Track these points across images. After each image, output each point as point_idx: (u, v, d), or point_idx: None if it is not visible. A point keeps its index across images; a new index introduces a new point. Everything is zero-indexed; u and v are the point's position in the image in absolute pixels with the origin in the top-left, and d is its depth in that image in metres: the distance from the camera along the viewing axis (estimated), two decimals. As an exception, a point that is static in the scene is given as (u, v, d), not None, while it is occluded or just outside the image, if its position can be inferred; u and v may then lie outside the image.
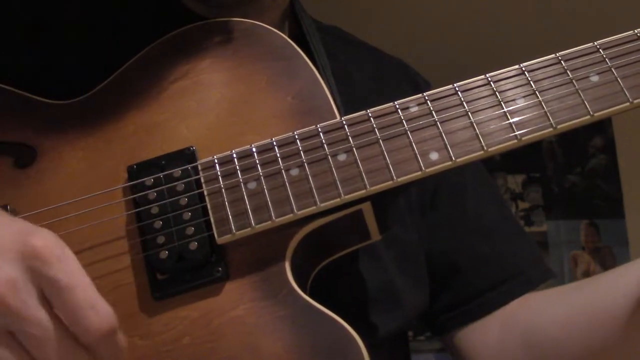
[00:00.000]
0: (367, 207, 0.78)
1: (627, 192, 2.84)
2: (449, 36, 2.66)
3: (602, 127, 2.86)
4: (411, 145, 0.76)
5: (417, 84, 1.09)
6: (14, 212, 0.79)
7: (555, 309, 0.97)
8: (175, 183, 0.78)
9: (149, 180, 0.78)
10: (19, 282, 0.60)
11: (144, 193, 0.78)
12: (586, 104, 0.75)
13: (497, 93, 0.77)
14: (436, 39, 2.63)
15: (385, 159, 0.75)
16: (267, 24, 0.87)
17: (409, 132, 0.76)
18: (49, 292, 0.61)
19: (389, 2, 2.67)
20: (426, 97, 0.78)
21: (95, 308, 0.62)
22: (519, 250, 1.07)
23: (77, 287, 0.61)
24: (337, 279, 0.87)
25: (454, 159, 0.75)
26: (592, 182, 2.86)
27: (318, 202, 0.75)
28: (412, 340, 2.51)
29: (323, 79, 0.83)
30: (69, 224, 0.78)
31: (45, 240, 0.62)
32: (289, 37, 0.86)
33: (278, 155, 0.77)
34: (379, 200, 0.78)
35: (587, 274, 2.74)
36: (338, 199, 0.75)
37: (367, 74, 1.07)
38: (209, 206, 0.76)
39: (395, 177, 0.75)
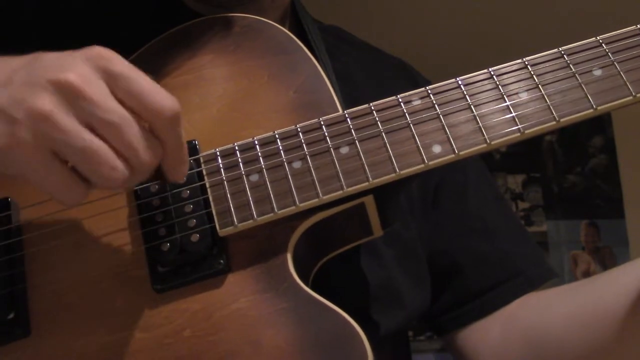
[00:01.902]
0: (369, 201, 0.78)
1: (627, 192, 2.84)
2: (450, 34, 2.66)
3: (602, 127, 2.86)
4: (414, 138, 0.76)
5: (418, 84, 1.09)
6: (16, 206, 0.79)
7: (557, 309, 0.97)
8: None
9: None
10: (92, 76, 0.64)
11: (145, 185, 0.78)
12: (589, 97, 0.75)
13: (499, 86, 0.77)
14: (438, 36, 2.63)
15: (387, 151, 0.75)
16: None
17: (411, 125, 0.76)
18: (117, 86, 0.65)
19: (389, 2, 2.66)
20: (429, 91, 0.78)
21: (161, 92, 0.66)
22: (521, 249, 1.07)
23: (142, 77, 0.66)
24: (337, 277, 0.87)
25: (457, 151, 0.75)
26: (592, 182, 2.86)
27: (320, 195, 0.75)
28: (412, 340, 2.51)
29: (325, 76, 0.83)
30: (72, 216, 0.78)
31: (104, 48, 0.67)
32: None
33: (280, 147, 0.77)
34: (382, 194, 0.78)
35: (587, 274, 2.74)
36: (340, 192, 0.75)
37: (368, 74, 1.07)
38: (210, 198, 0.76)
39: (397, 170, 0.75)
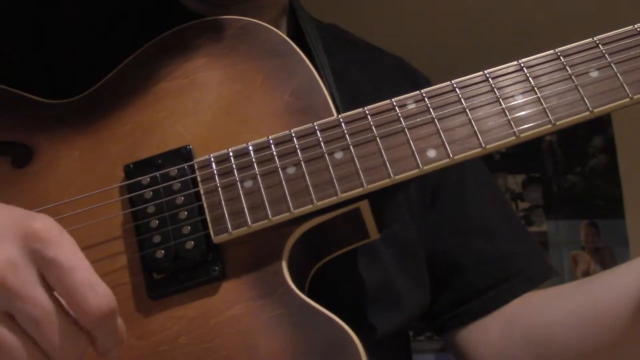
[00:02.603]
0: (364, 206, 0.78)
1: (627, 192, 2.84)
2: (448, 33, 2.66)
3: (602, 127, 2.86)
4: (408, 143, 0.75)
5: (417, 81, 1.09)
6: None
7: (557, 308, 0.97)
8: (172, 182, 0.77)
9: (145, 179, 0.78)
10: (19, 262, 0.60)
11: (140, 192, 0.77)
12: (585, 100, 0.75)
13: (495, 89, 0.76)
14: (435, 37, 2.63)
15: (382, 156, 0.75)
16: (265, 23, 0.86)
17: (406, 130, 0.76)
18: (48, 274, 0.61)
19: (388, 1, 2.66)
20: (424, 94, 0.77)
21: (95, 289, 0.61)
22: (521, 248, 1.07)
23: (77, 268, 0.61)
24: (336, 278, 0.87)
25: (451, 156, 0.74)
26: (592, 182, 2.85)
27: (315, 201, 0.74)
28: (412, 340, 2.50)
29: (322, 77, 0.83)
30: (66, 224, 0.77)
31: (44, 224, 0.62)
32: (287, 35, 0.86)
33: (274, 153, 0.77)
34: (377, 199, 0.78)
35: (587, 274, 2.74)
36: (335, 197, 0.74)
37: (366, 73, 1.07)
38: (205, 205, 0.76)
39: (392, 175, 0.74)
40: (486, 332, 1.02)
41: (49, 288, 0.62)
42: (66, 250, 0.62)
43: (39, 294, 0.61)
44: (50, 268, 0.61)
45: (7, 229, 0.62)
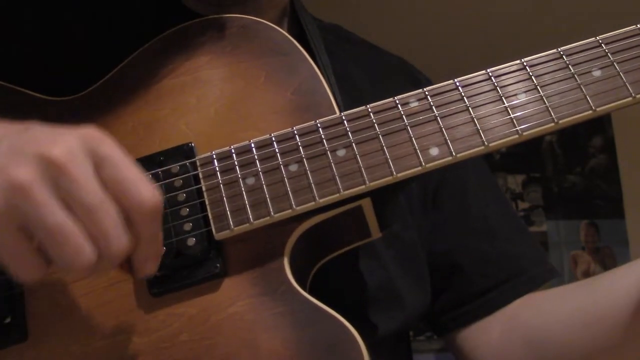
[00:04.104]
0: (366, 203, 0.78)
1: (627, 192, 2.85)
2: (450, 33, 2.65)
3: (602, 127, 2.87)
4: (411, 141, 0.75)
5: (419, 82, 1.09)
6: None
7: (558, 309, 0.97)
8: (174, 179, 0.77)
9: (147, 176, 0.78)
10: (78, 152, 0.63)
11: None
12: (588, 99, 0.75)
13: (498, 88, 0.76)
14: (438, 36, 2.64)
15: (384, 154, 0.75)
16: None
17: (409, 128, 0.76)
18: (103, 169, 0.64)
19: (389, 1, 2.66)
20: (426, 93, 0.77)
21: (146, 183, 0.65)
22: (522, 249, 1.07)
23: (129, 164, 0.65)
24: (337, 278, 0.87)
25: (454, 154, 0.74)
26: (592, 182, 2.86)
27: (317, 198, 0.74)
28: (412, 340, 2.50)
29: (323, 76, 0.83)
30: None
31: (97, 130, 0.66)
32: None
33: (277, 150, 0.77)
34: (379, 197, 0.78)
35: (587, 274, 2.74)
36: (337, 195, 0.74)
37: (368, 73, 1.07)
38: (207, 202, 0.76)
39: (395, 173, 0.74)
40: (487, 332, 1.02)
41: (101, 184, 0.64)
42: (118, 150, 0.65)
43: (95, 184, 0.63)
44: (105, 163, 0.64)
45: (63, 131, 0.65)
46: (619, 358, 0.93)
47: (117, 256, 0.64)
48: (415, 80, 1.10)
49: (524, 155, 2.79)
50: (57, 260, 0.62)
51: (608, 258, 2.79)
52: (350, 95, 0.97)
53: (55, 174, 0.61)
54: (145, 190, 0.64)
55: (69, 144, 0.63)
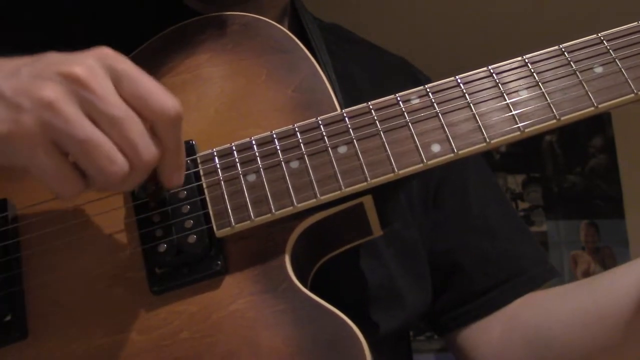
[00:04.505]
0: (368, 201, 0.77)
1: (627, 192, 2.85)
2: (451, 32, 2.65)
3: (602, 127, 2.86)
4: (412, 137, 0.75)
5: (419, 81, 1.08)
6: (13, 207, 0.78)
7: (558, 308, 0.97)
8: None
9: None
10: (98, 69, 0.65)
11: (142, 186, 0.77)
12: (590, 95, 0.75)
13: (499, 85, 0.76)
14: (438, 35, 2.63)
15: (386, 151, 0.75)
16: None
17: (410, 124, 0.76)
18: (122, 83, 0.66)
19: (389, 0, 2.66)
20: (428, 89, 0.77)
21: (166, 93, 0.67)
22: (522, 249, 1.07)
23: (147, 77, 0.67)
24: (337, 276, 0.87)
25: (455, 150, 0.74)
26: (592, 182, 2.86)
27: (318, 195, 0.74)
28: (412, 340, 2.50)
29: (324, 74, 0.83)
30: (69, 217, 0.77)
31: (110, 49, 0.68)
32: None
33: (278, 147, 0.76)
34: (381, 194, 0.78)
35: (587, 274, 2.74)
36: (338, 192, 0.74)
37: (369, 72, 1.07)
38: (207, 199, 0.76)
39: (396, 169, 0.74)
40: (487, 332, 1.02)
41: (124, 100, 0.66)
42: (134, 66, 0.67)
43: (118, 97, 0.65)
44: (124, 78, 0.66)
45: (79, 54, 0.67)
46: (619, 357, 0.93)
47: (148, 165, 0.66)
48: (415, 79, 1.09)
49: (524, 155, 2.79)
50: (92, 172, 0.65)
51: (608, 258, 2.78)
52: (351, 94, 0.96)
53: (79, 90, 0.64)
54: (166, 99, 0.66)
55: (88, 62, 0.65)
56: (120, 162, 0.64)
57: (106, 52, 0.67)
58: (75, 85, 0.64)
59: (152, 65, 0.85)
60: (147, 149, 0.66)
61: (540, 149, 2.83)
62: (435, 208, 1.05)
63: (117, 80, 0.66)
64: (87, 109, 0.64)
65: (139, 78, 0.66)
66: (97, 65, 0.65)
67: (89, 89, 0.64)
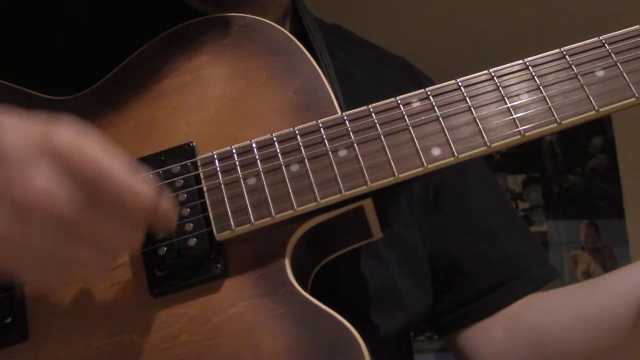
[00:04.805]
0: (368, 204, 0.77)
1: (627, 192, 2.85)
2: (452, 33, 2.65)
3: (602, 127, 2.86)
4: (413, 141, 0.75)
5: (420, 82, 1.08)
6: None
7: (560, 310, 0.97)
8: (174, 179, 0.77)
9: (147, 176, 0.77)
10: (57, 185, 0.61)
11: None
12: (591, 99, 0.74)
13: (500, 88, 0.76)
14: (440, 36, 2.63)
15: (386, 154, 0.75)
16: None
17: (410, 128, 0.76)
18: (83, 189, 0.62)
19: (390, 1, 2.66)
20: (428, 93, 0.77)
21: (133, 191, 0.63)
22: (523, 250, 1.06)
23: (107, 178, 0.62)
24: (338, 278, 0.87)
25: (456, 154, 0.74)
26: (592, 182, 2.86)
27: (318, 198, 0.74)
28: (412, 340, 2.50)
29: (325, 76, 0.82)
30: None
31: (61, 137, 0.62)
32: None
33: (278, 150, 0.76)
34: (381, 197, 0.77)
35: (587, 274, 2.74)
36: (338, 195, 0.74)
37: (370, 73, 1.06)
38: (208, 202, 0.75)
39: (396, 173, 0.74)
40: (488, 333, 1.02)
41: (89, 198, 0.62)
42: (91, 161, 0.62)
43: (83, 210, 0.62)
44: (83, 185, 0.62)
45: (30, 153, 0.61)
46: (621, 358, 0.93)
47: (133, 248, 0.67)
48: (416, 80, 1.09)
49: (524, 155, 2.79)
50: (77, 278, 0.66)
51: (608, 258, 2.79)
52: (352, 95, 0.96)
53: (40, 215, 0.60)
54: (133, 201, 0.63)
55: (42, 181, 0.61)
56: (99, 264, 0.65)
57: (57, 151, 0.61)
58: (36, 212, 0.60)
59: (153, 66, 0.85)
60: (125, 242, 0.65)
61: (540, 149, 2.83)
62: (436, 209, 1.05)
63: (84, 184, 0.62)
64: (54, 225, 0.61)
65: (100, 183, 0.62)
66: (56, 179, 0.61)
67: (50, 212, 0.61)
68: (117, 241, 0.64)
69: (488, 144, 0.74)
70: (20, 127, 0.63)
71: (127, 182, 0.63)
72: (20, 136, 0.62)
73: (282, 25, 0.99)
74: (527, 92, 0.76)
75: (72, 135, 0.62)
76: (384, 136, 0.76)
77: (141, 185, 0.64)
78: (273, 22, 0.87)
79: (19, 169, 0.60)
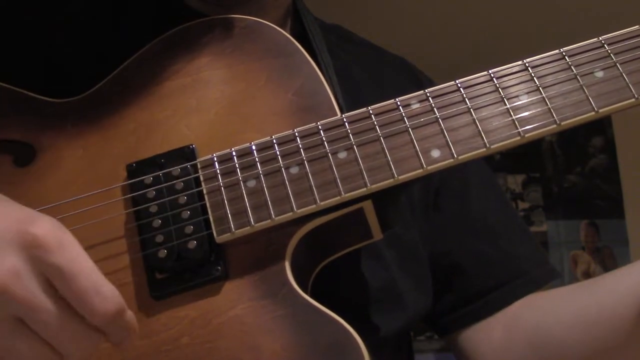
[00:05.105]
0: (368, 206, 0.77)
1: (627, 192, 2.84)
2: (452, 33, 2.65)
3: (602, 127, 2.86)
4: (412, 143, 0.75)
5: (420, 82, 1.08)
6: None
7: (560, 310, 0.97)
8: (174, 181, 0.77)
9: (147, 178, 0.78)
10: (22, 271, 0.60)
11: (142, 191, 0.77)
12: (590, 100, 0.74)
13: (500, 89, 0.76)
14: (439, 36, 2.63)
15: (386, 156, 0.75)
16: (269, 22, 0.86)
17: (410, 130, 0.76)
18: (53, 280, 0.61)
19: (390, 1, 2.66)
20: (428, 94, 0.77)
21: (100, 292, 0.62)
22: (523, 250, 1.06)
23: (80, 273, 0.61)
24: (338, 278, 0.87)
25: (455, 156, 0.74)
26: (592, 182, 2.85)
27: (318, 201, 0.74)
28: (412, 340, 2.50)
29: (325, 77, 0.82)
30: (68, 223, 0.77)
31: (45, 228, 0.62)
32: (291, 35, 0.85)
33: (278, 153, 0.76)
34: (381, 199, 0.77)
35: (587, 274, 2.74)
36: (338, 197, 0.74)
37: (370, 73, 1.06)
38: (208, 205, 0.75)
39: (396, 175, 0.74)
40: (488, 333, 1.02)
41: (56, 292, 0.62)
42: (68, 255, 0.61)
43: (46, 301, 0.61)
44: (53, 275, 0.61)
45: (6, 237, 0.61)
46: (621, 358, 0.93)
47: (87, 352, 0.64)
48: (417, 80, 1.09)
49: (524, 155, 2.79)
50: None
51: (608, 258, 2.78)
52: (352, 95, 0.96)
53: (2, 300, 0.60)
54: (99, 302, 0.61)
55: (11, 264, 0.60)
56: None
57: (34, 240, 0.61)
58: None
59: (153, 68, 0.85)
60: (81, 346, 0.63)
61: (540, 149, 2.83)
62: (436, 209, 1.05)
63: (49, 275, 0.61)
64: (14, 315, 0.61)
65: (70, 276, 0.61)
66: (21, 264, 0.61)
67: (12, 298, 0.60)
68: (68, 343, 0.62)
69: (487, 145, 0.74)
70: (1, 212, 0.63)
71: (97, 282, 0.62)
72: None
73: (283, 25, 0.99)
74: (527, 93, 0.76)
75: (50, 227, 0.62)
76: (384, 138, 0.76)
77: (110, 288, 0.63)
78: (274, 22, 0.87)
79: None
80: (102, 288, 0.62)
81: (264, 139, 0.77)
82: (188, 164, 0.77)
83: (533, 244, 1.09)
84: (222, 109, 0.82)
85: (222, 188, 0.76)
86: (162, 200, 0.76)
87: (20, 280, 0.60)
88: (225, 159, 0.77)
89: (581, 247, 2.80)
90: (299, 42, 0.84)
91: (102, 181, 0.79)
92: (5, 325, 0.61)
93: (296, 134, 0.77)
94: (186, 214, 0.75)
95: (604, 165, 2.86)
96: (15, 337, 0.61)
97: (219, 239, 0.74)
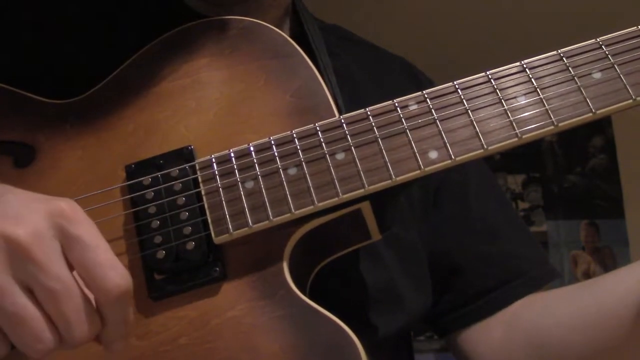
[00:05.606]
0: (366, 207, 0.77)
1: (627, 192, 2.85)
2: (451, 32, 2.65)
3: (602, 127, 2.87)
4: (410, 144, 0.75)
5: (420, 82, 1.08)
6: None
7: (560, 310, 0.97)
8: (173, 182, 0.77)
9: (146, 179, 0.78)
10: (45, 234, 0.61)
11: (141, 192, 0.77)
12: (588, 101, 0.74)
13: (497, 91, 0.76)
14: (438, 37, 2.63)
15: (383, 157, 0.75)
16: (268, 23, 0.86)
17: (408, 131, 0.76)
18: (71, 250, 0.62)
19: (390, 1, 2.66)
20: (425, 95, 0.77)
21: (115, 268, 0.63)
22: (523, 250, 1.06)
23: (100, 246, 0.63)
24: (337, 279, 0.87)
25: (453, 157, 0.74)
26: (592, 182, 2.86)
27: (316, 202, 0.74)
28: (412, 340, 2.51)
29: (324, 78, 0.83)
30: None
31: (70, 204, 0.64)
32: (290, 35, 0.86)
33: (276, 154, 0.76)
34: (379, 200, 0.77)
35: (587, 274, 2.75)
36: (336, 198, 0.74)
37: (370, 73, 1.06)
38: (206, 206, 0.76)
39: (394, 176, 0.74)
40: (488, 333, 1.02)
41: (69, 266, 0.63)
42: (90, 230, 0.63)
43: (61, 268, 0.62)
44: (73, 245, 0.62)
45: (34, 204, 0.63)
46: (621, 358, 0.93)
47: (80, 340, 0.63)
48: (416, 80, 1.09)
49: (524, 155, 2.80)
50: (17, 345, 0.62)
51: (608, 258, 2.79)
52: (352, 95, 0.96)
53: (18, 257, 0.60)
54: (113, 275, 0.62)
55: (36, 224, 0.61)
56: (46, 340, 0.61)
57: (63, 211, 0.63)
58: (16, 251, 0.60)
59: (152, 69, 0.85)
60: (80, 326, 0.62)
61: (540, 149, 2.83)
62: (436, 209, 1.05)
63: (67, 245, 0.62)
64: (24, 277, 0.61)
65: (90, 247, 0.62)
66: (47, 228, 0.62)
67: (29, 257, 0.60)
68: (69, 320, 0.62)
69: (485, 146, 0.74)
70: (24, 192, 0.65)
71: (114, 259, 0.63)
72: (25, 196, 0.65)
73: (282, 25, 0.99)
74: (525, 94, 0.76)
75: (75, 205, 0.64)
76: (382, 139, 0.76)
77: (123, 268, 0.64)
78: (272, 22, 0.87)
79: (15, 207, 0.63)
80: (117, 265, 0.63)
81: (262, 140, 0.77)
82: (187, 165, 0.78)
83: (533, 244, 1.09)
84: (221, 109, 0.82)
85: (221, 189, 0.76)
86: (160, 201, 0.77)
87: (42, 242, 0.61)
88: (223, 160, 0.77)
89: (581, 247, 2.80)
90: (298, 42, 0.84)
91: (102, 182, 0.80)
92: (14, 288, 0.61)
93: (294, 135, 0.77)
94: (185, 215, 0.76)
95: (604, 165, 2.87)
96: (18, 304, 0.61)
97: (217, 240, 0.74)
